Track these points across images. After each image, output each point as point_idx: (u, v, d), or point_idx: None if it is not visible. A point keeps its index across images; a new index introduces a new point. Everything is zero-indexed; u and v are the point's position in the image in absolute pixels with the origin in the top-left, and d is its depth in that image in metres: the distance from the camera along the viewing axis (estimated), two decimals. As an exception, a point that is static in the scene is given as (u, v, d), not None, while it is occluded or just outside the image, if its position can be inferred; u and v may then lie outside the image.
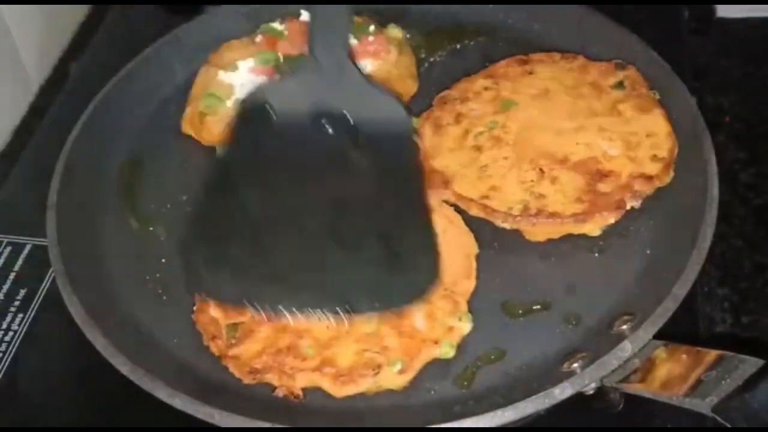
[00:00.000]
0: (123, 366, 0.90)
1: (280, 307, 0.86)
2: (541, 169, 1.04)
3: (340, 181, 0.97)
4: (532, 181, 1.03)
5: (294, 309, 0.86)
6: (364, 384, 0.89)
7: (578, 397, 0.87)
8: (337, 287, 0.87)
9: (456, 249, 0.99)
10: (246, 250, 0.91)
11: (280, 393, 0.90)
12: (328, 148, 1.00)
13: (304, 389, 0.90)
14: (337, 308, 0.85)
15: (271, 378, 0.90)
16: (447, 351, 0.92)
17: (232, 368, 0.91)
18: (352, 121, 1.01)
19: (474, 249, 1.00)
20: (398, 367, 0.90)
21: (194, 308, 0.97)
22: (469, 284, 0.97)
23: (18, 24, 1.35)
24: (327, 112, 1.02)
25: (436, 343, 0.91)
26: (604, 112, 1.10)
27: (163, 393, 0.87)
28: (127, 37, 1.41)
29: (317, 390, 0.90)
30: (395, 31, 1.26)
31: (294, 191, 0.96)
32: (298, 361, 0.90)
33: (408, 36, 1.27)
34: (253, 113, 1.02)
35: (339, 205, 0.95)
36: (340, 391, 0.89)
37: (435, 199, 1.04)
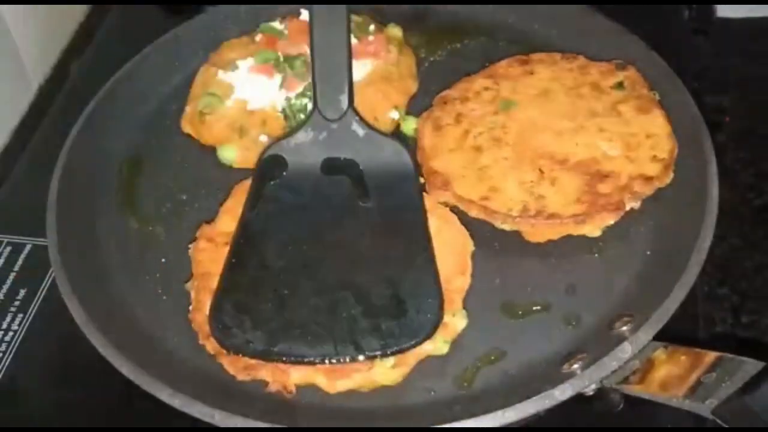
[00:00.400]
0: (123, 366, 0.90)
1: (303, 358, 0.90)
2: (540, 170, 1.04)
3: (352, 228, 1.02)
4: (531, 181, 1.03)
5: (314, 359, 0.90)
6: (358, 379, 0.90)
7: (578, 398, 0.86)
8: (349, 334, 0.91)
9: (451, 247, 0.99)
10: (268, 304, 0.95)
11: (272, 388, 0.90)
12: (338, 196, 1.05)
13: (297, 385, 0.90)
14: (351, 355, 0.90)
15: (265, 374, 0.90)
16: (440, 347, 0.92)
17: (226, 365, 0.92)
18: (361, 167, 1.07)
19: (469, 247, 1.00)
20: (391, 362, 0.90)
21: (190, 307, 0.97)
22: (464, 281, 0.97)
23: (18, 24, 1.36)
24: (336, 160, 1.08)
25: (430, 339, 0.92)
26: (604, 113, 1.09)
27: (162, 393, 0.87)
28: (127, 37, 1.41)
29: (312, 387, 0.91)
30: (395, 31, 1.26)
31: (310, 242, 1.01)
32: None
33: (408, 36, 1.27)
34: (268, 169, 1.08)
35: (351, 254, 0.99)
36: (333, 386, 0.90)
37: (431, 200, 1.04)
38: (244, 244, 1.01)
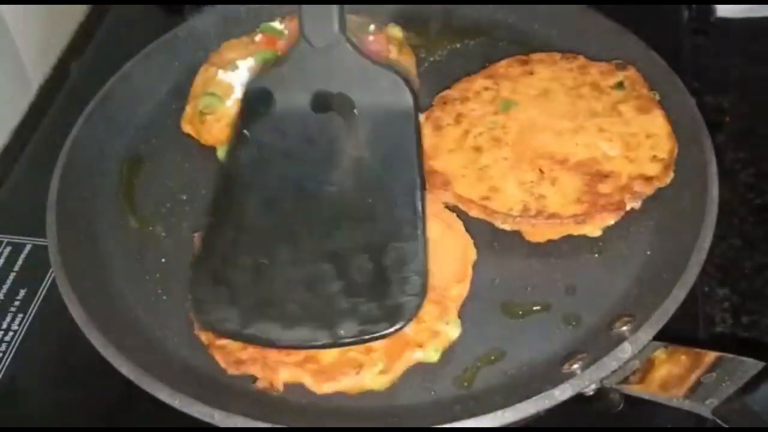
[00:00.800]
0: (123, 366, 0.90)
1: (275, 342, 0.88)
2: (540, 170, 1.04)
3: (339, 181, 0.96)
4: (531, 181, 1.03)
5: (288, 343, 0.88)
6: (345, 382, 0.89)
7: (578, 398, 0.87)
8: (327, 318, 0.88)
9: (452, 254, 0.99)
10: (246, 274, 0.92)
11: (260, 385, 0.90)
12: (327, 139, 0.99)
13: (286, 384, 0.90)
14: (326, 341, 0.87)
15: (255, 370, 0.90)
16: (431, 355, 0.92)
17: (218, 357, 0.92)
18: (354, 103, 0.99)
19: (472, 255, 1.00)
20: (379, 367, 0.90)
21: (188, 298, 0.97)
22: (462, 289, 0.97)
23: (18, 24, 1.36)
24: (327, 94, 0.99)
25: (420, 346, 0.91)
26: (604, 113, 1.10)
27: (162, 393, 0.87)
28: (126, 37, 1.41)
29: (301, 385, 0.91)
30: (395, 31, 1.26)
31: (292, 198, 0.96)
32: (282, 355, 0.90)
33: (408, 36, 1.27)
34: (253, 105, 1.01)
35: (335, 214, 0.95)
36: (320, 387, 0.90)
37: (435, 203, 1.03)
38: (225, 199, 0.96)
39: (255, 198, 0.96)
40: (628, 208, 1.01)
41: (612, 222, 1.00)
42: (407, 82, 0.99)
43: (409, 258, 0.90)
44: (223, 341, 0.92)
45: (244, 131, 0.99)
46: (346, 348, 0.90)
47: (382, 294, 0.88)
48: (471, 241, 1.01)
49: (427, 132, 1.11)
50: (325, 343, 0.87)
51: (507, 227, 1.02)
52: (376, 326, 0.87)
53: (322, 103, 0.99)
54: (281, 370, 0.90)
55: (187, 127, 1.19)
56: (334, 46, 0.98)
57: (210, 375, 0.93)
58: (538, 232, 1.01)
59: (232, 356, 0.91)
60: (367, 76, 0.99)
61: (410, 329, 0.91)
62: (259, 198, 0.96)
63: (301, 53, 0.99)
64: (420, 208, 0.93)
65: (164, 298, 1.02)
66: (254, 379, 0.91)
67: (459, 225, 1.02)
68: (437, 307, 0.94)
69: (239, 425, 0.85)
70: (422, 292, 0.88)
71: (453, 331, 0.93)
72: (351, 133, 0.98)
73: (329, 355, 0.90)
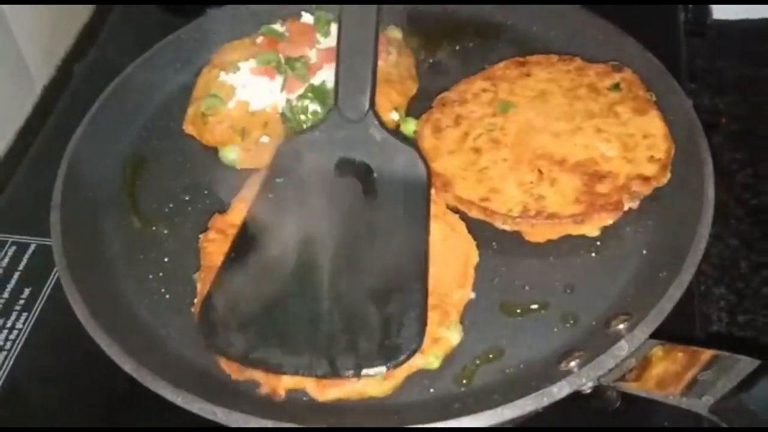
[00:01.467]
0: (126, 364, 0.90)
1: (278, 368, 0.91)
2: (539, 171, 1.05)
3: (353, 233, 1.02)
4: (531, 182, 1.04)
5: (288, 370, 0.90)
6: (347, 389, 0.90)
7: (576, 396, 0.87)
8: (327, 350, 0.91)
9: (455, 257, 1.00)
10: (256, 306, 0.96)
11: (263, 391, 0.90)
12: (347, 198, 1.05)
13: (288, 390, 0.91)
14: (324, 371, 0.90)
15: (258, 376, 0.91)
16: (432, 362, 0.92)
17: (222, 363, 0.92)
18: (374, 173, 1.06)
19: (474, 258, 1.00)
20: (381, 374, 0.90)
21: (194, 301, 0.98)
22: (464, 294, 0.97)
23: (21, 25, 1.36)
24: (350, 160, 1.07)
25: (421, 353, 0.91)
26: (601, 114, 1.10)
27: (165, 390, 0.88)
28: (130, 38, 1.41)
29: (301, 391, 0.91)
30: (395, 32, 1.27)
31: (309, 243, 1.00)
32: None
33: (407, 37, 1.27)
34: (283, 161, 1.08)
35: (346, 261, 0.99)
36: (322, 394, 0.90)
37: (439, 204, 1.04)
38: (246, 238, 1.01)
39: (275, 239, 1.01)
40: (626, 208, 1.01)
41: (610, 222, 1.01)
42: (422, 157, 1.06)
43: (411, 308, 0.94)
44: None
45: (277, 179, 1.07)
46: None
47: (381, 337, 0.92)
48: (474, 244, 1.01)
49: (426, 134, 1.12)
50: (325, 373, 0.90)
51: (507, 228, 1.02)
52: (372, 362, 0.90)
53: (345, 167, 1.07)
54: (284, 378, 0.90)
55: (189, 128, 1.19)
56: (362, 120, 1.06)
57: (211, 373, 0.94)
58: (538, 233, 1.02)
59: (235, 362, 0.92)
60: (387, 149, 1.06)
61: None
62: (278, 239, 1.01)
63: (333, 122, 1.07)
64: (425, 261, 0.98)
65: (167, 297, 1.03)
66: (257, 384, 0.91)
67: (462, 227, 1.03)
68: (438, 312, 0.94)
69: (241, 422, 0.85)
70: (420, 335, 0.91)
71: (454, 337, 0.94)
72: (369, 196, 1.05)
73: None
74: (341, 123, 1.07)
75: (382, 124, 1.07)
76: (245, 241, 1.01)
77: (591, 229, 1.01)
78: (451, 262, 0.99)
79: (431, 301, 0.94)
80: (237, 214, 1.04)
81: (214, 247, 1.02)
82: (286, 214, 1.03)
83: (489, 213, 1.02)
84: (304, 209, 1.04)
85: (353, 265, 0.99)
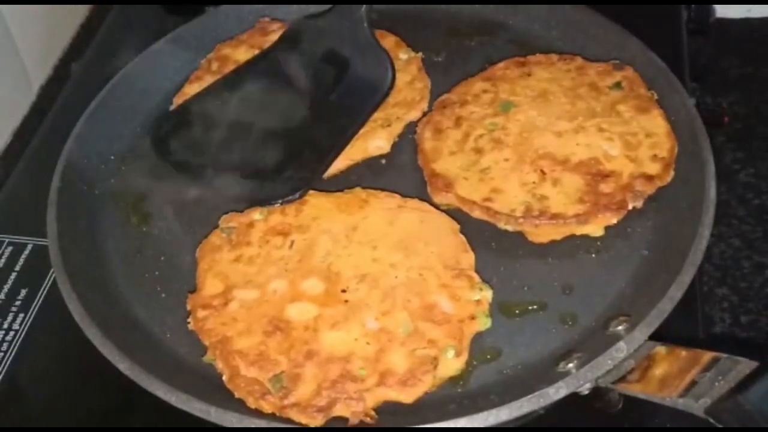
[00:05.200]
0: (120, 363, 0.90)
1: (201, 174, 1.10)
2: (542, 171, 1.04)
3: (304, 110, 1.17)
4: (533, 182, 1.03)
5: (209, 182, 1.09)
6: (428, 380, 0.89)
7: (577, 398, 0.87)
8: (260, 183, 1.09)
9: (441, 230, 1.01)
10: (207, 134, 1.14)
11: (354, 421, 0.87)
12: (318, 83, 1.19)
13: (375, 408, 0.88)
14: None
15: (340, 410, 0.88)
16: (485, 321, 0.93)
17: (296, 417, 0.88)
18: (350, 68, 1.19)
19: (456, 225, 1.01)
20: (451, 353, 0.90)
21: (225, 378, 0.92)
22: (470, 257, 0.98)
23: (19, 24, 1.35)
24: (336, 53, 1.20)
25: (472, 318, 0.93)
26: (602, 113, 1.10)
27: (159, 390, 0.88)
28: (127, 38, 1.41)
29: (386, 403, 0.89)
30: (409, 53, 1.24)
31: (266, 108, 1.17)
32: (358, 384, 0.88)
33: (408, 38, 1.26)
34: (288, 39, 1.23)
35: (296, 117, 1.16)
36: (409, 395, 0.88)
37: (395, 198, 1.05)
38: (222, 86, 1.19)
39: (248, 87, 1.19)
40: (630, 207, 1.01)
41: (614, 221, 1.00)
42: (393, 69, 1.17)
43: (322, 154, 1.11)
44: (293, 399, 0.88)
45: (274, 51, 1.23)
46: (412, 349, 0.90)
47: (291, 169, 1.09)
48: (447, 215, 1.03)
49: (427, 135, 1.11)
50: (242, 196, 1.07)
51: (510, 228, 1.02)
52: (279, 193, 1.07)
53: (330, 57, 1.20)
54: (367, 397, 0.88)
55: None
56: (356, 21, 1.18)
57: (207, 372, 0.93)
58: (542, 233, 1.02)
59: (312, 407, 0.87)
60: (368, 51, 1.19)
61: (453, 308, 0.94)
62: (251, 88, 1.19)
63: (334, 16, 1.20)
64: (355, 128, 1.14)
65: (163, 295, 1.02)
66: (345, 420, 0.87)
67: (429, 206, 1.04)
68: (463, 279, 0.96)
69: (235, 422, 0.85)
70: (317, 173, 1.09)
71: (488, 293, 0.96)
72: (334, 84, 1.18)
73: (401, 363, 0.89)
74: (339, 19, 1.19)
75: (372, 30, 1.19)
76: (221, 87, 1.19)
77: (595, 228, 1.01)
78: (441, 236, 1.00)
79: (450, 274, 0.96)
80: (210, 286, 1.00)
81: (210, 322, 0.96)
82: (269, 75, 1.20)
83: (492, 213, 1.02)
84: (284, 76, 1.20)
85: (304, 118, 1.15)
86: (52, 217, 1.05)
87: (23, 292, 1.12)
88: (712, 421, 0.78)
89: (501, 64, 1.19)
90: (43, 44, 1.45)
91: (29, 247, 1.17)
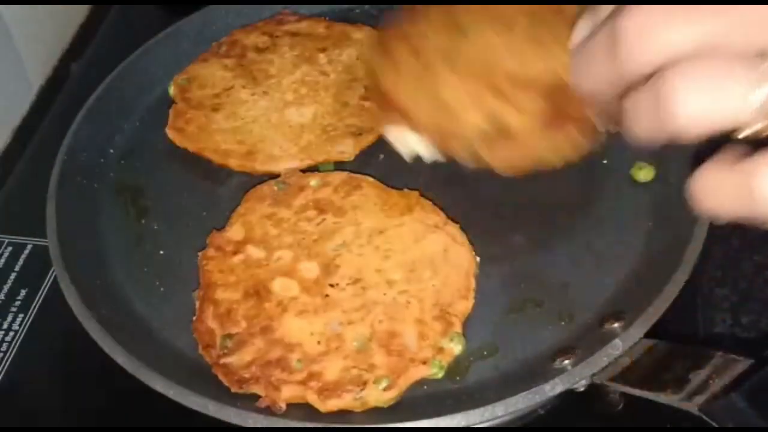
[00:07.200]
0: (119, 356, 0.90)
1: None
2: (501, 91, 0.94)
3: None
4: (492, 104, 0.94)
5: None
6: (349, 399, 0.89)
7: (578, 397, 0.87)
8: None
9: (457, 268, 0.98)
10: None
11: (262, 404, 0.89)
12: None
13: (289, 403, 0.90)
14: None
15: (257, 388, 0.90)
16: (436, 372, 0.91)
17: (221, 376, 0.91)
18: None
19: (474, 268, 0.99)
20: (384, 384, 0.89)
21: (193, 318, 0.97)
22: (467, 305, 0.96)
23: (18, 24, 1.36)
24: None
25: (424, 363, 0.91)
26: (567, 34, 1.01)
27: (157, 383, 0.88)
28: (127, 38, 1.41)
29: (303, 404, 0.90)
30: None
31: None
32: (285, 374, 0.90)
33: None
34: None
35: None
36: (324, 405, 0.89)
37: (440, 215, 1.03)
38: None
39: None
40: (599, 129, 0.92)
41: (584, 144, 0.92)
42: None
43: None
44: (227, 360, 0.92)
45: None
46: (351, 365, 0.90)
47: None
48: (473, 252, 1.00)
49: (382, 64, 1.02)
50: None
51: (468, 156, 0.94)
52: None
53: None
54: (284, 389, 0.89)
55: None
56: None
57: (206, 367, 0.93)
58: (504, 159, 0.94)
59: (235, 375, 0.91)
60: None
61: (415, 345, 0.92)
62: None
63: None
64: None
65: (162, 289, 1.03)
66: (257, 397, 0.90)
67: (461, 236, 1.01)
68: (442, 323, 0.94)
69: (233, 417, 0.85)
70: None
71: (457, 347, 0.93)
72: None
73: (333, 373, 0.90)
74: None
75: None
76: None
77: (555, 156, 0.93)
78: (453, 273, 0.98)
79: (434, 312, 0.94)
80: (235, 231, 1.03)
81: (212, 265, 1.00)
82: None
83: (449, 138, 0.94)
84: None
85: None
86: (51, 211, 1.05)
87: (23, 292, 1.12)
88: (705, 418, 0.78)
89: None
90: (43, 44, 1.45)
91: (29, 247, 1.17)
